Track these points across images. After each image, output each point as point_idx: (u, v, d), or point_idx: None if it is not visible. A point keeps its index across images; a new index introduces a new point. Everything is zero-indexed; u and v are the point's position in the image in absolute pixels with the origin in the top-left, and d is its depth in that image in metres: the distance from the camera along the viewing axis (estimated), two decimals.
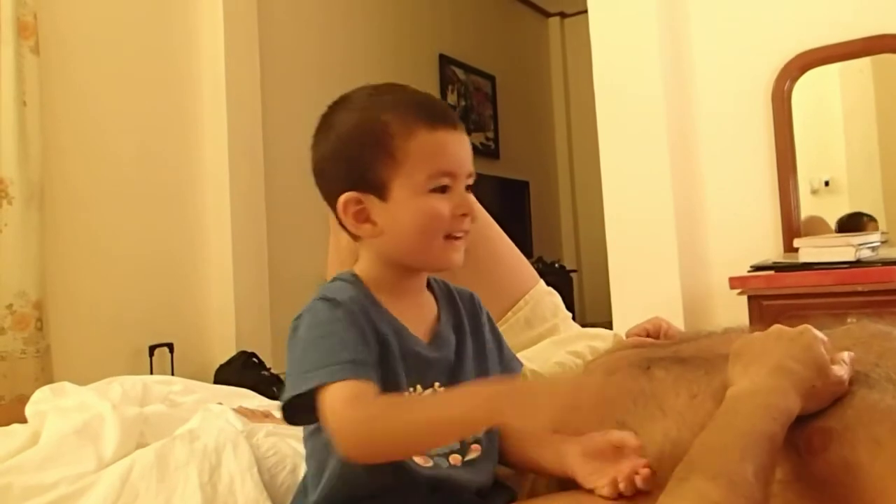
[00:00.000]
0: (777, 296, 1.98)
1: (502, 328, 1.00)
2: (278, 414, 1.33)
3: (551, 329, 1.19)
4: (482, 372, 0.84)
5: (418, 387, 0.77)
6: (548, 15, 6.19)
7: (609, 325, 1.72)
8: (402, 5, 4.44)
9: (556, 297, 1.27)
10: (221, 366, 2.97)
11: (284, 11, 3.58)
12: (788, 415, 0.66)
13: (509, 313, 1.18)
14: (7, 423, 1.18)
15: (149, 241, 2.90)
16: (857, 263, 1.93)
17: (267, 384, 2.76)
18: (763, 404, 0.65)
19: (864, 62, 2.32)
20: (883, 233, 2.20)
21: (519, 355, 0.94)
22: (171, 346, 2.89)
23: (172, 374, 2.76)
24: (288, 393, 0.71)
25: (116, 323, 2.75)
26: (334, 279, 0.80)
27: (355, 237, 0.81)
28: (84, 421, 1.04)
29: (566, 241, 6.02)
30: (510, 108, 5.44)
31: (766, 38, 2.36)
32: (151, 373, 2.75)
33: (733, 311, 2.07)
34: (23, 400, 1.33)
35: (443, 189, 0.76)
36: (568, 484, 0.87)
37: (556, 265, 5.20)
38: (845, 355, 0.73)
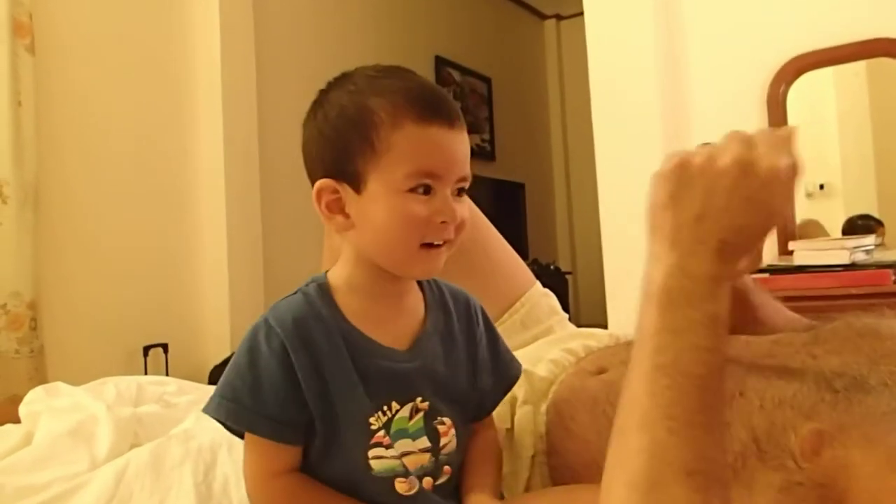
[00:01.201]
0: None
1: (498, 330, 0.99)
2: None
3: (546, 330, 1.19)
4: (475, 383, 0.79)
5: (394, 403, 0.71)
6: (544, 17, 6.20)
7: (604, 328, 1.72)
8: (398, 7, 4.44)
9: (553, 299, 1.27)
10: (216, 366, 2.96)
11: (280, 12, 3.58)
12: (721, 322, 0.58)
13: (505, 315, 1.17)
14: (0, 424, 1.17)
15: (143, 242, 2.90)
16: (852, 266, 1.94)
17: None
18: (712, 312, 0.57)
19: (859, 66, 2.32)
20: (878, 236, 2.21)
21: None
22: (165, 347, 2.88)
23: (167, 375, 2.75)
24: (209, 404, 0.71)
25: (110, 323, 2.74)
26: (298, 289, 0.75)
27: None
28: (78, 421, 1.04)
29: (561, 243, 6.03)
30: (506, 110, 5.44)
31: (761, 41, 2.37)
32: (146, 373, 2.75)
33: None
34: (16, 400, 1.33)
35: (425, 191, 0.69)
36: (560, 480, 0.87)
37: (552, 267, 5.21)
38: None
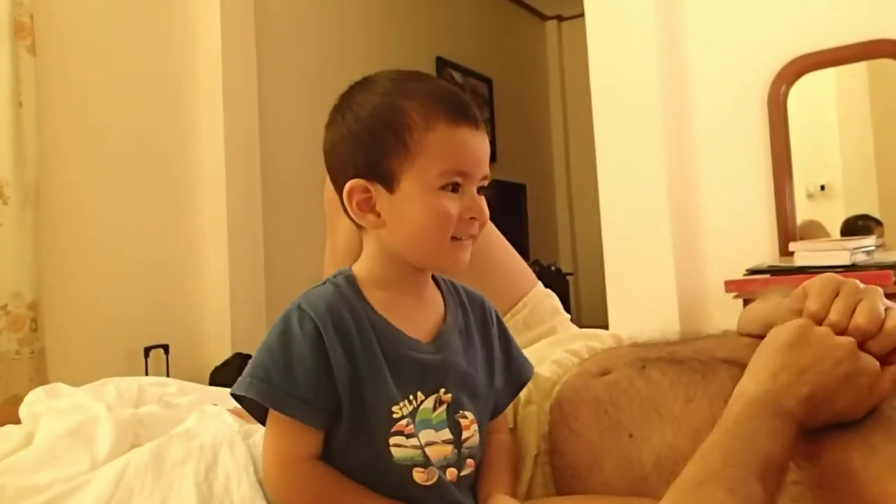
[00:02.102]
0: None
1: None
2: None
3: (549, 330, 1.19)
4: (492, 381, 0.81)
5: (419, 393, 0.73)
6: (545, 18, 6.20)
7: (605, 329, 1.72)
8: (400, 8, 4.44)
9: (555, 299, 1.27)
10: (217, 367, 2.96)
11: (281, 14, 3.58)
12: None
13: (508, 315, 1.17)
14: (1, 424, 1.17)
15: (145, 243, 2.90)
16: (853, 267, 1.94)
17: None
18: (784, 432, 0.64)
19: (860, 67, 2.33)
20: (877, 237, 2.21)
21: None
22: (166, 348, 2.88)
23: (168, 376, 2.75)
24: (239, 384, 0.71)
25: (112, 324, 2.74)
26: (326, 280, 0.77)
27: (359, 226, 0.77)
28: (78, 422, 1.03)
29: (563, 244, 6.03)
30: (507, 111, 5.45)
31: (762, 42, 2.37)
32: (147, 374, 2.75)
33: (729, 314, 2.05)
34: (17, 401, 1.33)
35: (454, 188, 0.72)
36: (565, 487, 0.87)
37: (553, 268, 5.21)
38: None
